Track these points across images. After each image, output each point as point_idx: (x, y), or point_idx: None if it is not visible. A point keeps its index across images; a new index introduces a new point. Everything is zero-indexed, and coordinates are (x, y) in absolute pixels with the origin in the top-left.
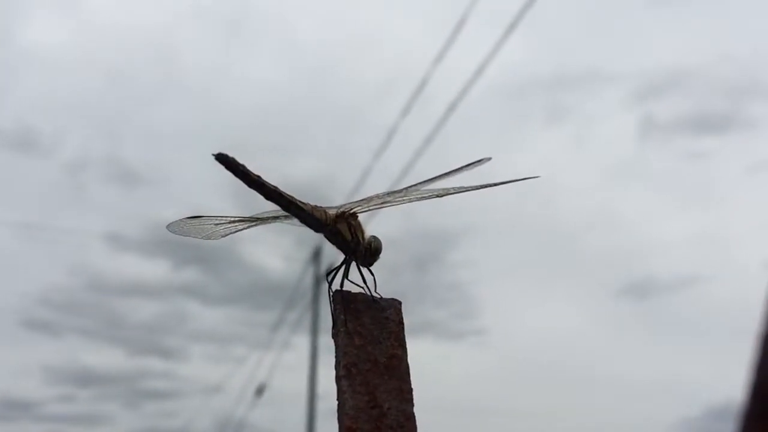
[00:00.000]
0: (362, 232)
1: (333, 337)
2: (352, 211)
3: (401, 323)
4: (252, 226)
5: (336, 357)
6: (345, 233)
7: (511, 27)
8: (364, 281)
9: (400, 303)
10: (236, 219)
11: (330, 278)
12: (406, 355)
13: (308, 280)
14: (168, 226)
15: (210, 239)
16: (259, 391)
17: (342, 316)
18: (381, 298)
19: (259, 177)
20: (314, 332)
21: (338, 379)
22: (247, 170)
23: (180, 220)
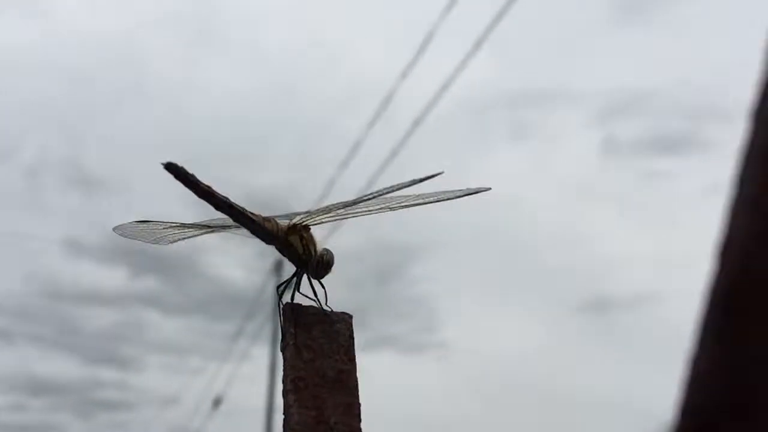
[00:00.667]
0: (314, 244)
1: (282, 351)
2: (304, 224)
3: (351, 337)
4: (202, 233)
5: (284, 371)
6: (297, 246)
7: (478, 44)
8: (315, 294)
9: (350, 317)
10: (186, 225)
11: (280, 291)
12: (356, 370)
13: (269, 291)
14: (115, 229)
15: (158, 244)
16: (216, 403)
17: (291, 330)
18: (332, 311)
19: (209, 187)
20: (274, 344)
21: (285, 393)
22: (197, 180)
23: (128, 223)
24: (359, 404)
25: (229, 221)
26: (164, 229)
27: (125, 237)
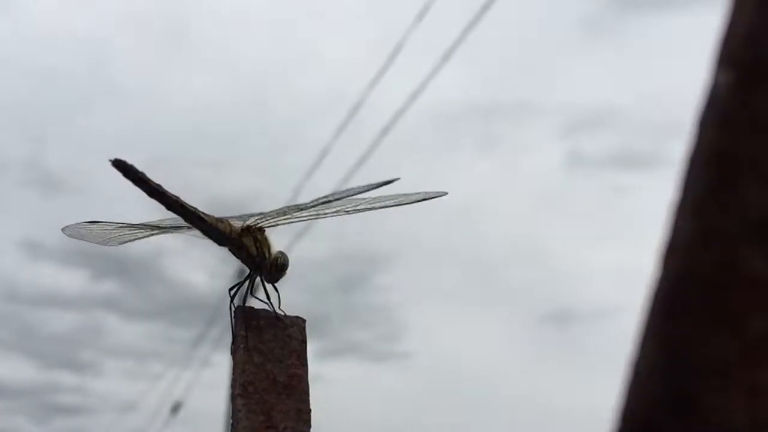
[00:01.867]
0: (269, 247)
1: (231, 354)
2: (258, 225)
3: (304, 342)
4: (153, 234)
5: (233, 375)
6: (250, 248)
7: (447, 55)
8: (268, 298)
9: (304, 321)
10: (136, 225)
11: (233, 293)
12: (307, 375)
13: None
14: (64, 229)
15: (107, 245)
16: (175, 409)
17: (242, 333)
18: (285, 315)
19: (159, 186)
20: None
21: (233, 397)
22: (147, 177)
23: (77, 223)
24: (309, 410)
25: (182, 222)
26: (114, 229)
27: (74, 238)
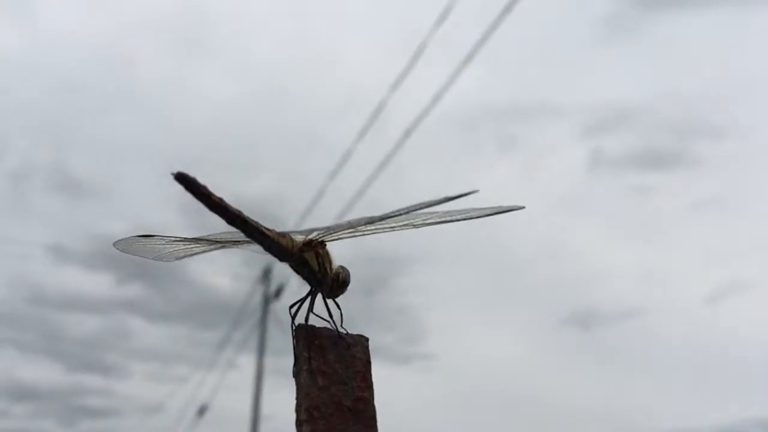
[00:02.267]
0: (330, 261)
1: (294, 377)
2: (320, 239)
3: (368, 362)
4: (210, 249)
5: (297, 399)
6: (312, 263)
7: (469, 57)
8: (331, 315)
9: (367, 340)
10: (193, 240)
11: (294, 311)
12: (373, 398)
13: (256, 299)
14: (115, 244)
15: (162, 261)
16: (201, 411)
17: (305, 354)
18: (347, 333)
19: (221, 200)
20: (261, 352)
21: (299, 424)
22: (209, 191)
23: (129, 237)
24: None
25: (240, 235)
26: (168, 243)
27: (126, 253)
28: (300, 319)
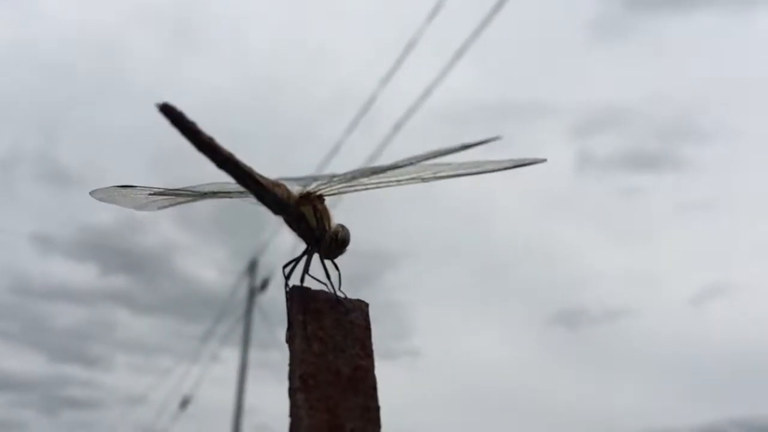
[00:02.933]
0: (329, 218)
1: (287, 342)
2: (318, 193)
3: (368, 329)
4: (195, 200)
5: (290, 366)
6: (310, 218)
7: (459, 54)
8: (328, 277)
9: (367, 305)
10: (177, 191)
11: (288, 271)
12: (374, 367)
13: (242, 292)
14: (92, 192)
15: (143, 210)
16: (184, 403)
17: (300, 317)
18: (346, 298)
19: (211, 139)
20: (245, 346)
21: (292, 392)
22: (198, 127)
23: (108, 187)
24: (378, 407)
25: (230, 185)
26: (150, 194)
27: (104, 201)
28: (295, 280)
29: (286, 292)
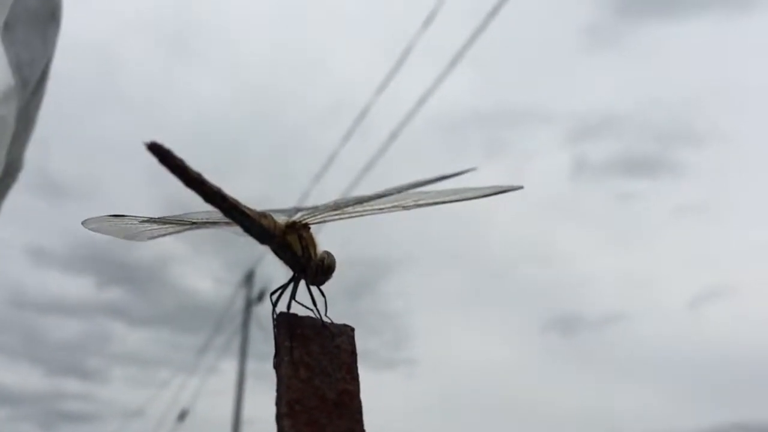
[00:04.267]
0: (314, 246)
1: (275, 368)
2: (304, 222)
3: (354, 353)
4: (185, 230)
5: (278, 391)
6: (295, 246)
7: (454, 62)
8: (315, 303)
9: (352, 330)
10: (167, 220)
11: (275, 298)
12: (359, 391)
13: (238, 303)
14: (85, 222)
15: (134, 240)
16: (182, 416)
17: (287, 343)
18: (332, 323)
19: (199, 174)
20: (242, 357)
21: (279, 417)
22: (185, 165)
23: (100, 216)
24: (364, 431)
25: (218, 216)
26: (141, 223)
27: (97, 232)
28: (282, 307)
29: (273, 319)
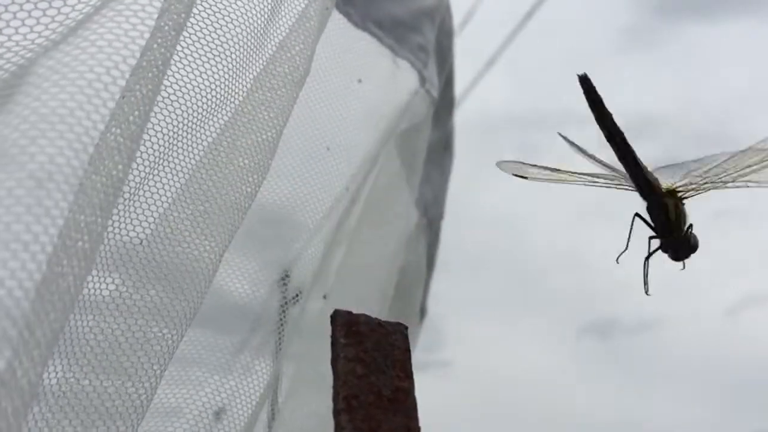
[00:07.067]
0: (685, 220)
1: (331, 364)
2: (682, 196)
3: (408, 351)
4: (566, 181)
5: (334, 387)
6: (671, 212)
7: (489, 64)
8: (646, 266)
9: (406, 328)
10: (561, 170)
11: (647, 254)
12: (414, 388)
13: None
14: (499, 163)
15: (537, 180)
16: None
17: (342, 340)
18: (386, 321)
19: (611, 114)
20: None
21: (336, 412)
22: (603, 101)
23: (512, 161)
24: (419, 427)
25: (606, 171)
26: (539, 170)
27: (506, 172)
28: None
29: (330, 316)
